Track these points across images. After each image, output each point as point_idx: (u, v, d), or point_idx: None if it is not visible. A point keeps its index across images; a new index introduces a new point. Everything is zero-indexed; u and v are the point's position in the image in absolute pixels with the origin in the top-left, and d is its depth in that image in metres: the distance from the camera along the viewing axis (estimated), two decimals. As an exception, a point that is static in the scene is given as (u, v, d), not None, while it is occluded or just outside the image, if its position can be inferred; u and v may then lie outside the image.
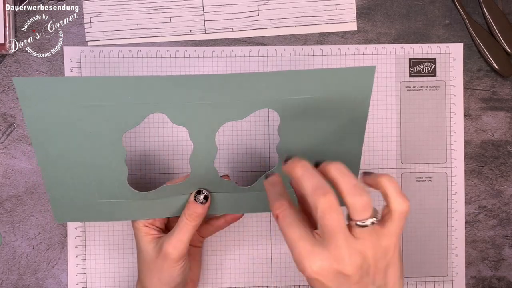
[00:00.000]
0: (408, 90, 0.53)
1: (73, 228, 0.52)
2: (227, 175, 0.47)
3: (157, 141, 0.51)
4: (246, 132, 0.52)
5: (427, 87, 0.53)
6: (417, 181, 0.53)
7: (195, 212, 0.44)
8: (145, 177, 0.52)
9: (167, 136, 0.51)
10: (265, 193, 0.45)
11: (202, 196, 0.44)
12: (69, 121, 0.39)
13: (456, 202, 0.53)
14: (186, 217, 0.44)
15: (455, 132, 0.53)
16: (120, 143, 0.41)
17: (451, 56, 0.53)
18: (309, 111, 0.41)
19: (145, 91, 0.38)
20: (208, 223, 0.48)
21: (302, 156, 0.42)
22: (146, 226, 0.45)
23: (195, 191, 0.45)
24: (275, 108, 0.41)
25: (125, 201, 0.44)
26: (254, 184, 0.45)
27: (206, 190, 0.45)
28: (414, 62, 0.53)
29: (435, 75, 0.53)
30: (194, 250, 0.49)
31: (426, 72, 0.53)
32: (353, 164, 0.44)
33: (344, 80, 0.39)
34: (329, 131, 0.42)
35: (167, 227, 0.47)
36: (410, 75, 0.53)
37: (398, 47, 0.53)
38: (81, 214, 0.45)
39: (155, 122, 0.51)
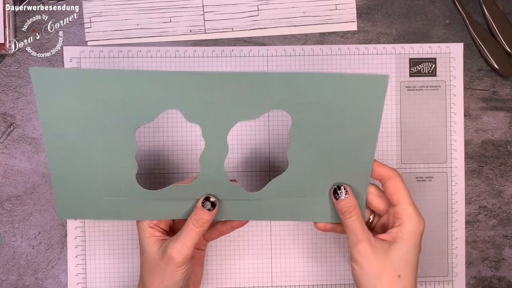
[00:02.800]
0: (408, 90, 0.53)
1: (73, 228, 0.52)
2: (235, 180, 0.47)
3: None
4: (247, 132, 0.52)
5: (427, 87, 0.53)
6: (417, 181, 0.53)
7: (202, 218, 0.43)
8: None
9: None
10: (271, 200, 0.45)
11: (210, 203, 0.44)
12: (82, 114, 0.40)
13: (456, 202, 0.53)
14: (193, 222, 0.43)
15: (455, 132, 0.53)
16: (133, 138, 0.41)
17: (451, 56, 0.53)
18: (322, 117, 0.41)
19: (160, 86, 0.39)
20: (213, 228, 0.48)
21: (311, 161, 0.42)
22: (151, 227, 0.45)
23: (203, 197, 0.44)
24: (288, 110, 0.41)
25: (131, 200, 0.44)
26: (261, 191, 0.44)
27: (214, 196, 0.44)
28: (414, 62, 0.53)
29: (435, 75, 0.53)
30: (198, 253, 0.49)
31: (426, 72, 0.53)
32: (363, 172, 0.43)
33: (357, 86, 0.40)
34: (340, 137, 0.42)
35: (172, 229, 0.47)
36: (410, 75, 0.53)
37: (398, 47, 0.53)
38: (85, 211, 0.45)
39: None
